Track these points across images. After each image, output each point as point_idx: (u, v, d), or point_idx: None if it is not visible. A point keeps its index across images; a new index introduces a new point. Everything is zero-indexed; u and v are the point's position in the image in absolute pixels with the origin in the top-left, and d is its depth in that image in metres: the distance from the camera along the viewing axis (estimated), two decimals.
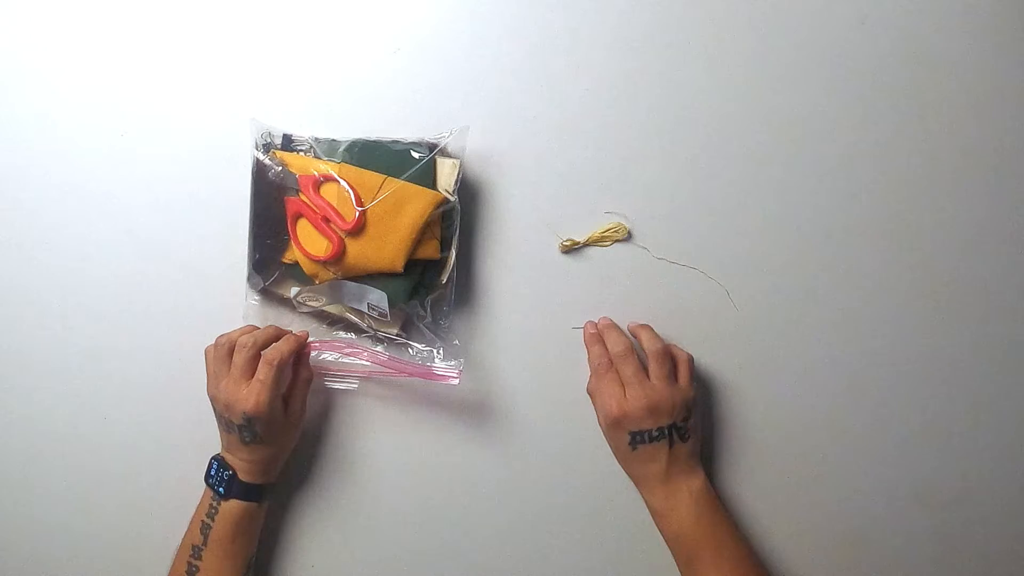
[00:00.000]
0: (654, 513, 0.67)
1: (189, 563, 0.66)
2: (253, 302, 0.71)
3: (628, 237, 0.73)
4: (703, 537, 0.65)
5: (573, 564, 0.73)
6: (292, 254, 0.68)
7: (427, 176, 0.68)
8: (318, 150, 0.69)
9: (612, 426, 0.67)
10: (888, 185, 0.74)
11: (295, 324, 0.71)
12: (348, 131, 0.70)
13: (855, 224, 0.74)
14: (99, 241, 0.73)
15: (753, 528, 0.73)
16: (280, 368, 0.65)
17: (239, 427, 0.65)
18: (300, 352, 0.68)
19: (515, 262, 0.73)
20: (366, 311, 0.69)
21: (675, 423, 0.65)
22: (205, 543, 0.65)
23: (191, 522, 0.67)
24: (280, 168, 0.67)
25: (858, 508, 0.73)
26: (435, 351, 0.70)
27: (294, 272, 0.69)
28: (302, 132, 0.70)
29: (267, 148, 0.69)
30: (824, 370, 0.73)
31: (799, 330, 0.73)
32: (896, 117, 0.74)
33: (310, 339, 0.69)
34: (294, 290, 0.69)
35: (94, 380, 0.73)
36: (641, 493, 0.68)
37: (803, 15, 0.74)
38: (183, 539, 0.67)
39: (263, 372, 0.64)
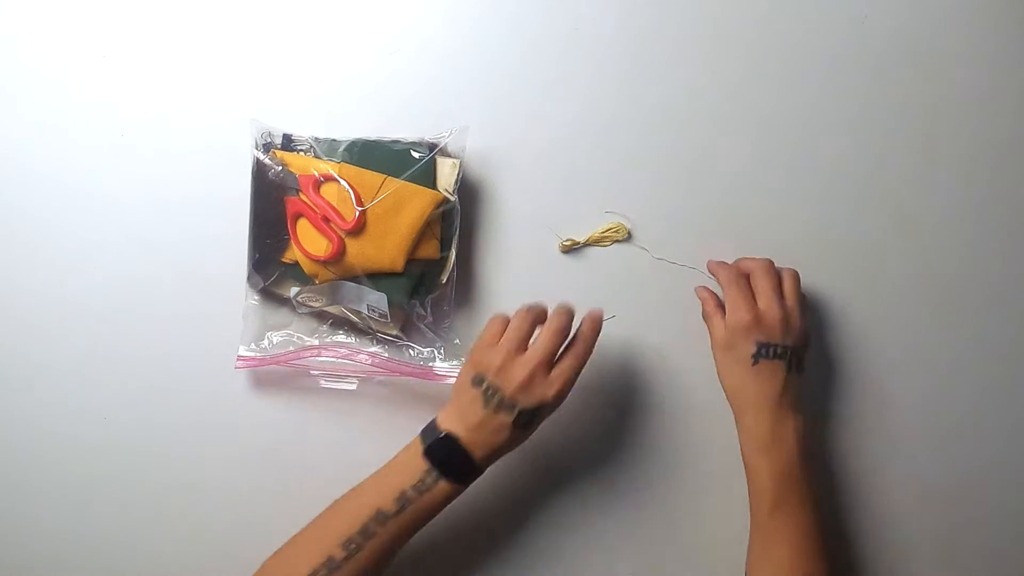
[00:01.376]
0: (756, 443, 0.64)
1: (367, 525, 0.59)
2: (253, 302, 0.71)
3: (628, 237, 0.73)
4: (797, 482, 0.63)
5: (571, 567, 0.73)
6: (292, 254, 0.68)
7: (427, 176, 0.68)
8: (318, 150, 0.69)
9: (742, 333, 0.65)
10: (888, 184, 0.74)
11: (295, 324, 0.71)
12: (348, 131, 0.70)
13: (855, 223, 0.74)
14: (99, 241, 0.73)
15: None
16: (584, 363, 0.63)
17: (521, 411, 0.60)
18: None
19: (515, 262, 0.73)
20: (365, 312, 0.69)
21: (798, 346, 0.65)
22: (398, 513, 0.59)
23: (380, 481, 0.61)
24: (280, 168, 0.67)
25: (858, 508, 0.73)
26: (436, 351, 0.70)
27: (294, 272, 0.69)
28: (302, 132, 0.70)
29: (267, 148, 0.69)
30: (823, 370, 0.73)
31: None
32: (896, 116, 0.74)
33: (308, 343, 0.69)
34: (294, 290, 0.69)
35: (94, 380, 0.73)
36: (743, 422, 0.65)
37: (803, 14, 0.74)
38: (360, 494, 0.61)
39: (571, 365, 0.62)
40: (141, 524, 0.73)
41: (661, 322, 0.72)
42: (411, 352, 0.71)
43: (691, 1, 0.74)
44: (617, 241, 0.73)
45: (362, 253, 0.67)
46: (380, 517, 0.59)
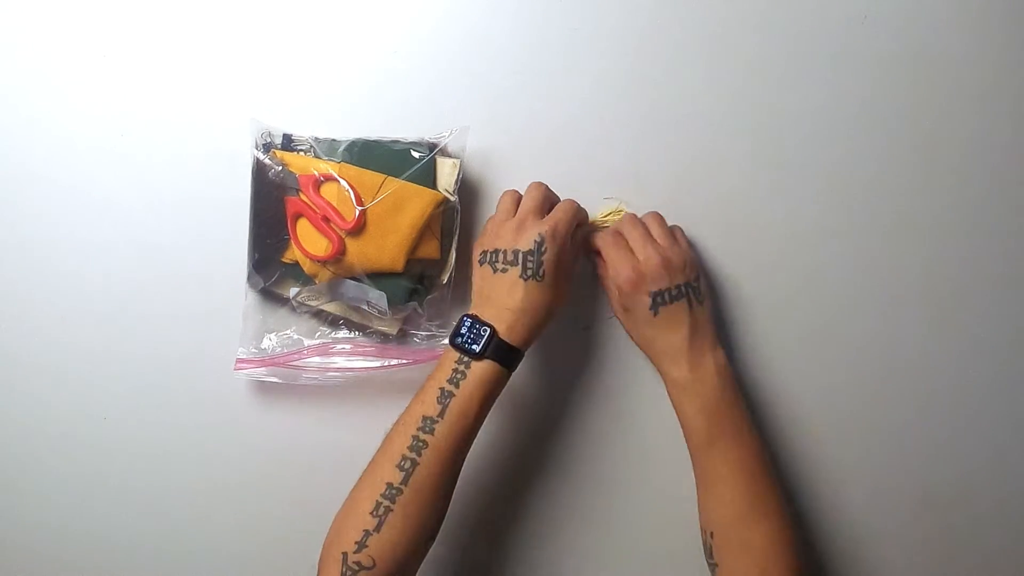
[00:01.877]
0: (676, 387, 0.64)
1: (415, 437, 0.58)
2: (252, 302, 0.71)
3: None
4: (726, 416, 0.63)
5: (581, 560, 0.73)
6: (292, 254, 0.68)
7: (427, 176, 0.68)
8: (318, 150, 0.69)
9: (631, 291, 0.64)
10: (888, 184, 0.74)
11: (295, 324, 0.71)
12: (348, 131, 0.70)
13: (855, 223, 0.74)
14: (99, 240, 0.73)
15: None
16: (577, 212, 0.65)
17: (525, 254, 0.61)
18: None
19: None
20: (366, 309, 0.69)
21: (689, 282, 0.65)
22: (443, 414, 0.58)
23: (422, 391, 0.60)
24: (280, 168, 0.67)
25: (859, 508, 0.73)
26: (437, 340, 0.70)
27: (294, 272, 0.69)
28: (302, 132, 0.70)
29: (267, 148, 0.69)
30: (825, 369, 0.73)
31: (796, 325, 0.73)
32: (896, 116, 0.74)
33: (310, 344, 0.69)
34: (293, 290, 0.69)
35: (94, 380, 0.73)
36: (662, 369, 0.66)
37: (803, 13, 0.74)
38: (406, 412, 0.60)
39: (562, 208, 0.64)
40: (141, 524, 0.73)
41: None
42: (416, 339, 0.70)
43: (691, 2, 0.74)
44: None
45: (362, 253, 0.67)
46: (427, 425, 0.58)
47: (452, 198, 0.68)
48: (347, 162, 0.68)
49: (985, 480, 0.74)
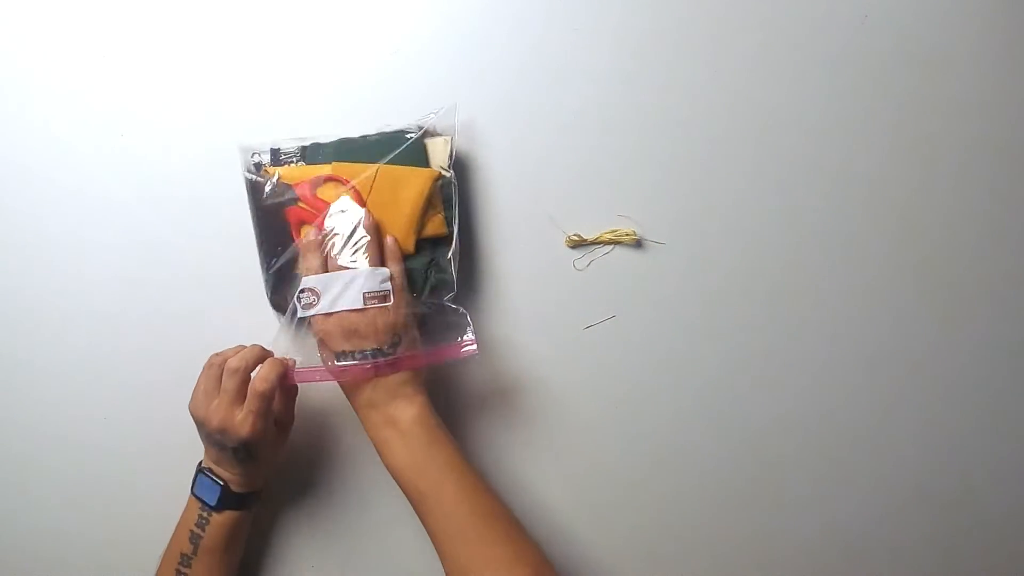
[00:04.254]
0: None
1: (178, 571, 0.65)
2: (272, 317, 0.70)
3: (638, 244, 0.73)
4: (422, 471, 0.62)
5: (583, 553, 0.73)
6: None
7: (419, 157, 0.68)
8: (307, 156, 0.68)
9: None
10: (888, 184, 0.74)
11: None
12: (348, 132, 0.70)
13: (855, 222, 0.74)
14: (99, 241, 0.73)
15: (753, 528, 0.73)
16: (270, 399, 0.64)
17: (233, 449, 0.64)
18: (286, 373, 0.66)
19: (517, 263, 0.73)
20: (362, 304, 0.65)
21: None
22: (195, 553, 0.65)
23: (177, 529, 0.67)
24: (275, 181, 0.67)
25: (859, 508, 0.73)
26: (445, 331, 0.68)
27: None
28: (287, 142, 0.69)
29: (258, 167, 0.69)
30: (827, 370, 0.73)
31: (801, 331, 0.73)
32: (896, 116, 0.74)
33: (299, 366, 0.67)
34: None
35: (94, 380, 0.73)
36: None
37: (803, 14, 0.74)
38: (169, 546, 0.67)
39: (255, 403, 0.63)
40: (141, 524, 0.73)
41: (663, 321, 0.72)
42: (431, 329, 0.68)
43: (692, 2, 0.74)
44: (625, 244, 0.73)
45: (371, 243, 0.66)
46: (184, 560, 0.65)
47: (447, 173, 0.68)
48: (338, 161, 0.68)
49: (985, 480, 0.74)
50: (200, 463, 0.67)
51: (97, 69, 0.74)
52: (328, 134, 0.69)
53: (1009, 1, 0.74)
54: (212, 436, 0.64)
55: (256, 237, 0.69)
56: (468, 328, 0.67)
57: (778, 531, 0.73)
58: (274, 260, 0.68)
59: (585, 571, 0.73)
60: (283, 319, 0.68)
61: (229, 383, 0.64)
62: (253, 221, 0.69)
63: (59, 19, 0.74)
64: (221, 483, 0.65)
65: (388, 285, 0.64)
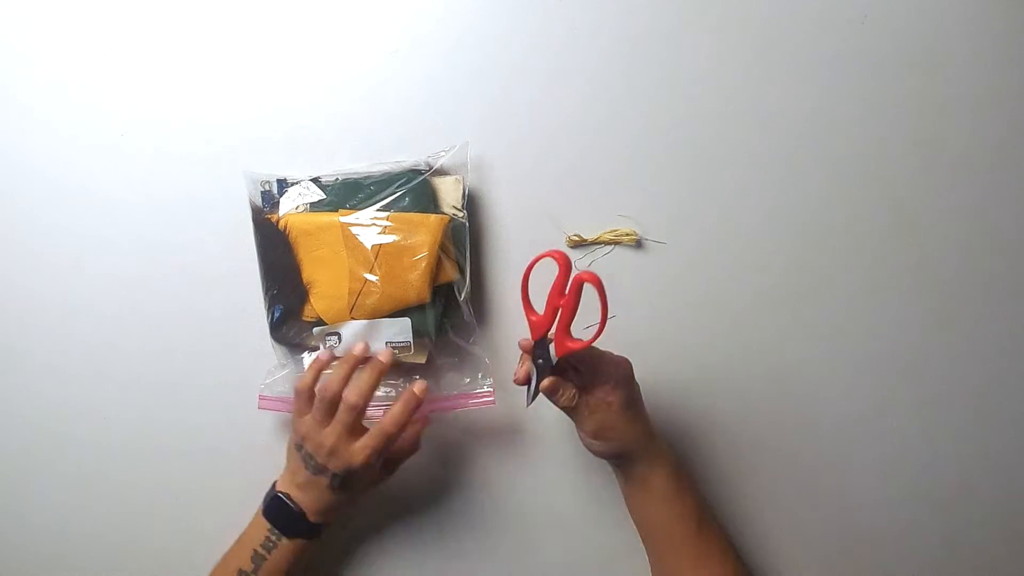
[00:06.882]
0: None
1: None
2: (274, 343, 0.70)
3: (638, 244, 0.73)
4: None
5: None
6: (312, 311, 0.67)
7: (428, 197, 0.67)
8: (312, 200, 0.68)
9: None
10: (888, 184, 0.74)
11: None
12: (348, 133, 0.70)
13: (854, 222, 0.74)
14: (98, 241, 0.73)
15: (752, 528, 0.73)
16: (395, 440, 0.64)
17: (334, 475, 0.63)
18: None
19: (516, 263, 0.73)
20: (384, 348, 0.67)
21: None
22: (255, 572, 0.64)
23: (239, 543, 0.65)
24: (283, 231, 0.67)
25: (859, 508, 0.73)
26: (464, 378, 0.70)
27: (318, 324, 0.68)
28: (295, 173, 0.69)
29: (265, 197, 0.69)
30: (828, 370, 0.73)
31: (801, 331, 0.73)
32: (896, 116, 0.74)
33: None
34: (316, 329, 0.68)
35: (94, 380, 0.73)
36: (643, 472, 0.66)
37: (803, 14, 0.74)
38: (225, 558, 0.65)
39: (378, 441, 0.62)
40: (141, 524, 0.73)
41: (665, 324, 0.72)
42: (449, 374, 0.70)
43: (692, 2, 0.74)
44: (625, 244, 0.73)
45: (386, 295, 0.66)
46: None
47: (459, 214, 0.68)
48: (343, 207, 0.67)
49: (985, 480, 0.74)
50: (275, 484, 0.66)
51: (97, 69, 0.74)
52: (338, 137, 0.69)
53: (1009, 1, 0.74)
54: (315, 457, 0.63)
55: (260, 272, 0.69)
56: (487, 380, 0.68)
57: (777, 529, 0.73)
58: (274, 309, 0.68)
59: None
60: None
61: (347, 417, 0.63)
62: (259, 257, 0.69)
63: (59, 19, 0.74)
64: (298, 511, 0.64)
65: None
